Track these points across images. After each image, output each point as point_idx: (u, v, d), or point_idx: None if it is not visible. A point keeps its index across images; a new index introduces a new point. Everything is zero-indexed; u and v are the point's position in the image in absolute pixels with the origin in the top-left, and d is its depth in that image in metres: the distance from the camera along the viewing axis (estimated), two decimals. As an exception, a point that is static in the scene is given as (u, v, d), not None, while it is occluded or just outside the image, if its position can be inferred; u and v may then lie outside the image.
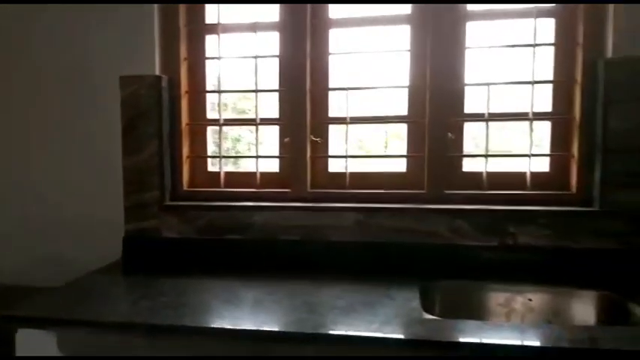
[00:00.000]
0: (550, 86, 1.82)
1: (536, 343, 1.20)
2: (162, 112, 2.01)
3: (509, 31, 1.87)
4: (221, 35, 2.06)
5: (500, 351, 1.18)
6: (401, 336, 1.23)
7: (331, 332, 1.27)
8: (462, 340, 1.22)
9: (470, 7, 1.86)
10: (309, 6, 1.97)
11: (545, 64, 1.83)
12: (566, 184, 1.83)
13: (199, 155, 2.13)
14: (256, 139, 2.06)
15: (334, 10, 2.00)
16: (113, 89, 2.00)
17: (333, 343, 1.26)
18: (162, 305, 1.48)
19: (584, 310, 1.64)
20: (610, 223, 1.71)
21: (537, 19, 1.80)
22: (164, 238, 2.01)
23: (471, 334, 1.26)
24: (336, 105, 2.03)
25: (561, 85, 1.81)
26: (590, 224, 1.72)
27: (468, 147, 1.92)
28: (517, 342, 1.21)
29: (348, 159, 1.98)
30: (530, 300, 1.70)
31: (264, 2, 2.01)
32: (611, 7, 1.69)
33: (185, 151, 2.10)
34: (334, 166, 2.05)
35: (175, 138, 2.07)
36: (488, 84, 1.84)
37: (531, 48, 1.81)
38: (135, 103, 1.99)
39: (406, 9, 1.91)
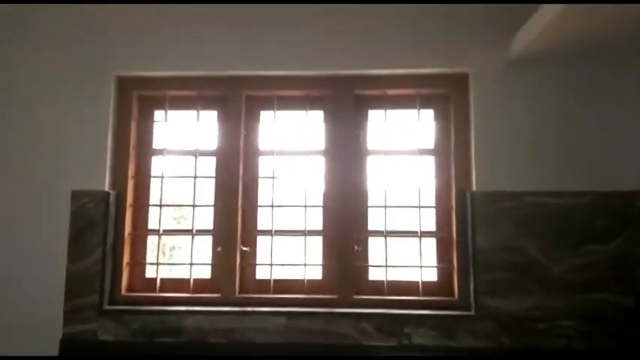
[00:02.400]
0: (433, 210, 2.28)
1: None
2: (108, 223, 2.26)
3: (403, 164, 2.35)
4: (166, 156, 2.40)
5: None
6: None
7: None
8: None
9: (370, 145, 2.34)
10: (242, 137, 2.37)
11: (430, 192, 2.31)
12: (450, 290, 2.23)
13: (139, 262, 2.36)
14: (191, 248, 2.34)
15: (263, 142, 2.41)
16: (64, 201, 2.24)
17: None
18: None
19: (465, 399, 1.97)
20: (484, 326, 2.10)
21: (421, 157, 2.30)
22: (100, 341, 2.17)
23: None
24: (264, 218, 2.38)
25: (441, 209, 2.28)
26: (469, 326, 2.10)
27: (372, 259, 2.30)
28: None
29: (274, 266, 2.30)
30: (423, 392, 2.01)
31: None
32: (472, 149, 2.21)
33: (126, 258, 2.33)
34: (261, 272, 2.34)
35: (118, 246, 2.30)
36: (385, 206, 2.27)
37: (417, 179, 2.29)
38: (84, 214, 2.24)
39: (320, 145, 2.36)
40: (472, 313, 2.12)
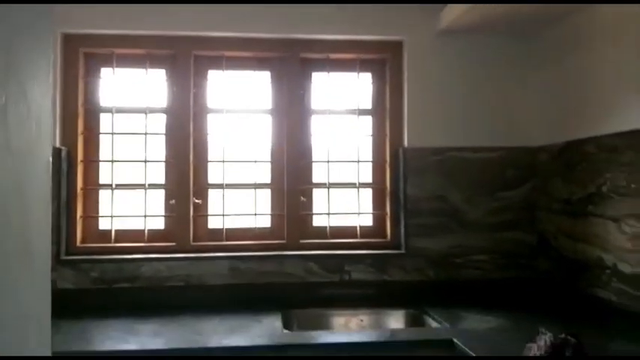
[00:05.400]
0: (370, 164, 2.55)
1: (355, 339, 1.79)
2: (61, 178, 2.32)
3: (344, 123, 2.58)
4: (116, 114, 2.46)
5: (331, 346, 1.75)
6: (267, 342, 1.74)
7: (218, 345, 1.72)
8: (306, 342, 1.77)
9: (313, 105, 2.54)
10: (192, 95, 2.48)
11: (367, 148, 2.57)
12: (383, 233, 2.54)
13: (92, 215, 2.45)
14: (145, 201, 2.46)
15: (212, 100, 2.54)
16: (13, 158, 2.27)
17: (220, 354, 1.71)
18: (71, 338, 1.79)
19: (397, 322, 2.30)
20: (412, 262, 2.43)
21: (360, 116, 2.55)
22: (59, 289, 2.27)
23: (314, 338, 1.81)
24: (216, 172, 2.53)
25: (377, 164, 2.56)
26: (400, 262, 2.43)
27: (316, 207, 2.55)
28: (344, 340, 1.79)
29: (226, 216, 2.48)
30: (362, 320, 2.32)
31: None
32: (405, 109, 2.48)
33: (79, 211, 2.41)
34: (213, 223, 2.51)
35: (71, 200, 2.37)
36: (328, 161, 2.51)
37: (356, 136, 2.54)
38: (35, 170, 2.28)
39: (267, 104, 2.53)
40: (403, 251, 2.44)
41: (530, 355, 1.58)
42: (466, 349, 1.67)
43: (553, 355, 1.53)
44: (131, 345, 1.73)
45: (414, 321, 2.27)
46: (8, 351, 0.60)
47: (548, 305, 2.24)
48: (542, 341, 1.58)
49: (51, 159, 0.62)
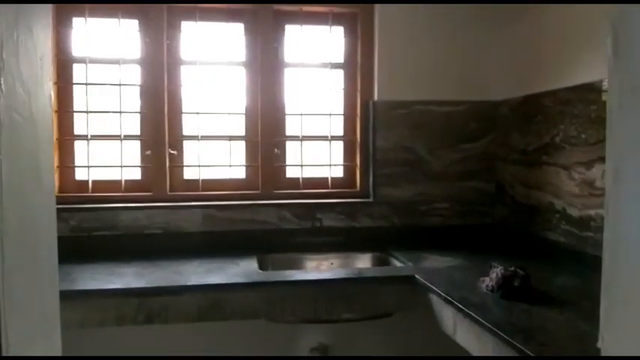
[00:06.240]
0: (341, 117, 2.65)
1: (327, 276, 1.94)
2: (36, 128, 2.34)
3: (316, 76, 2.66)
4: (89, 65, 2.47)
5: (304, 282, 1.90)
6: (244, 280, 1.87)
7: (198, 283, 1.85)
8: (280, 279, 1.91)
9: (287, 58, 2.60)
10: (165, 46, 2.51)
11: (338, 101, 2.66)
12: (353, 184, 2.67)
13: (68, 165, 2.49)
14: (120, 152, 2.51)
15: (185, 52, 2.56)
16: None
17: (200, 290, 1.83)
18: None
19: (364, 264, 2.47)
20: (380, 209, 2.58)
21: (332, 70, 2.63)
22: (39, 236, 2.33)
23: (288, 276, 1.95)
24: (190, 124, 2.59)
25: (348, 117, 2.66)
26: (368, 210, 2.57)
27: (289, 159, 2.65)
28: (316, 277, 1.93)
29: (201, 167, 2.56)
30: (332, 263, 2.47)
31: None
32: (375, 64, 2.57)
33: (55, 161, 2.44)
34: (189, 173, 2.59)
35: (47, 151, 2.40)
36: (301, 114, 2.60)
37: (328, 90, 2.62)
38: (10, 120, 2.29)
39: (241, 56, 2.58)
40: (371, 200, 2.59)
41: (483, 286, 1.76)
42: (426, 282, 1.84)
43: (503, 285, 1.71)
44: (116, 285, 1.84)
45: (380, 262, 2.43)
46: (24, 262, 0.70)
47: (503, 247, 2.44)
48: (494, 274, 1.76)
49: (52, 93, 0.69)
